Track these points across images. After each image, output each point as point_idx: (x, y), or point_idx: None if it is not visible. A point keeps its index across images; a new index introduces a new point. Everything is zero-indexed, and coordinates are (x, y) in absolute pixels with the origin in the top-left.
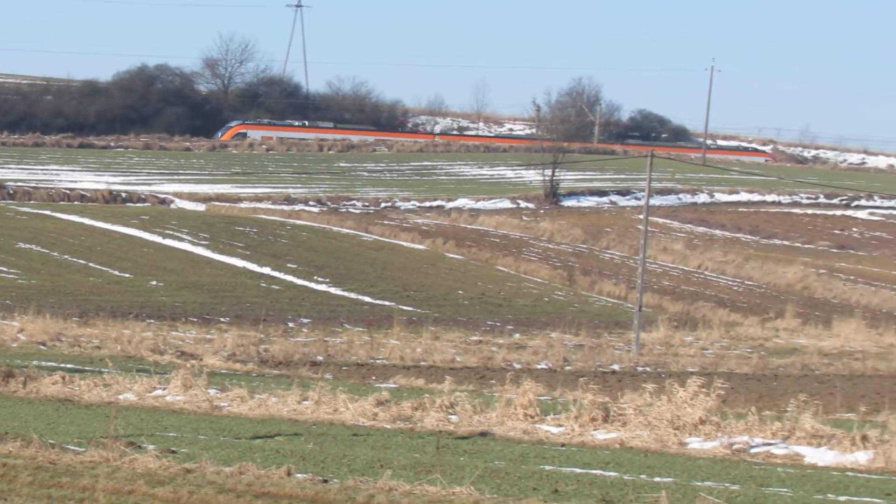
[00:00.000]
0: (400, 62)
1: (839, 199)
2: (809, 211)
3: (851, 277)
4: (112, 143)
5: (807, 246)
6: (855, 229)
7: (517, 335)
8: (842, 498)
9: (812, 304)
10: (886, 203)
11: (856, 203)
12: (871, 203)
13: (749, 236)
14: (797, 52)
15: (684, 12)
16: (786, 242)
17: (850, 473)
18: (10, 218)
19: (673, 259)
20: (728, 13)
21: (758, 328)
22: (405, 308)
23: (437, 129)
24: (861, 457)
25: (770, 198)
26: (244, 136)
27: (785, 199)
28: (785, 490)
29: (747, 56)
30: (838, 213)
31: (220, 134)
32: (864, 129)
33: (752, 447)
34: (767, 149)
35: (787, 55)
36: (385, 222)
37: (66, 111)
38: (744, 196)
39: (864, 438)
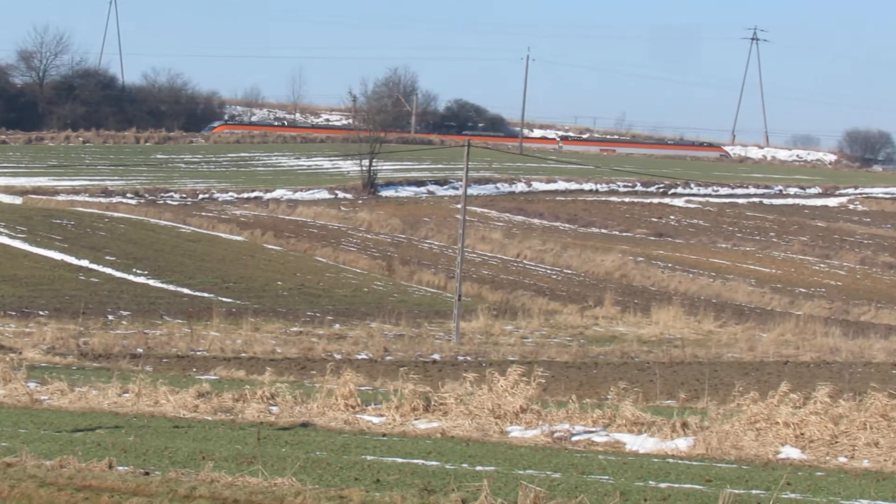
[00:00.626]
0: (215, 53)
1: (656, 187)
2: (627, 199)
3: (669, 265)
4: None
5: (625, 234)
6: (672, 217)
7: (337, 326)
8: (663, 485)
9: (631, 291)
10: (703, 191)
11: (672, 191)
12: (687, 191)
13: (567, 225)
14: (610, 42)
15: (500, 2)
16: (604, 231)
17: (670, 460)
18: None
19: (492, 248)
20: (542, 2)
21: (577, 316)
22: (224, 299)
23: (255, 120)
24: (681, 443)
25: (587, 186)
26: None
27: (602, 187)
28: (606, 477)
29: (563, 45)
30: (655, 200)
31: (206, 130)
32: (679, 118)
33: (574, 435)
34: (585, 137)
35: (602, 44)
36: (203, 214)
37: None
38: (561, 185)
39: (685, 425)
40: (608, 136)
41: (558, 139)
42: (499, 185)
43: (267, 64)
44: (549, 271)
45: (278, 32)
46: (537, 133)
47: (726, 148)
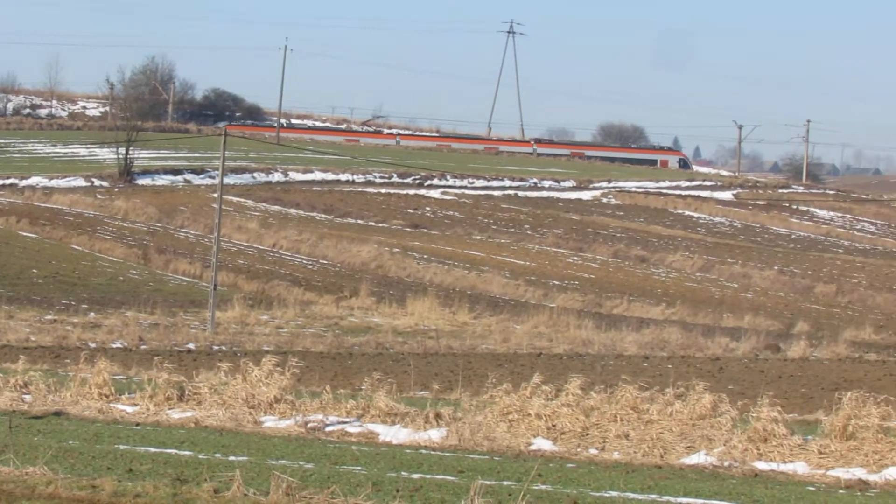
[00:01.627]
0: None
1: (412, 178)
2: (384, 190)
3: (425, 256)
4: None
5: (381, 225)
6: (428, 208)
7: (92, 314)
8: (415, 475)
9: (386, 282)
10: (459, 182)
11: (429, 182)
12: (443, 182)
13: (324, 215)
14: (370, 33)
15: None
16: (360, 221)
17: (423, 451)
18: None
19: (248, 238)
20: None
21: (333, 307)
22: None
23: (10, 106)
24: (434, 434)
25: (344, 177)
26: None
27: (359, 178)
28: (359, 468)
29: (322, 36)
30: (412, 192)
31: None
32: (435, 109)
33: (327, 425)
34: (343, 127)
35: (360, 35)
36: None
37: None
38: (318, 175)
39: (438, 416)
40: (365, 128)
41: (397, 134)
42: (255, 174)
43: (23, 50)
44: (305, 261)
45: (35, 17)
46: (294, 122)
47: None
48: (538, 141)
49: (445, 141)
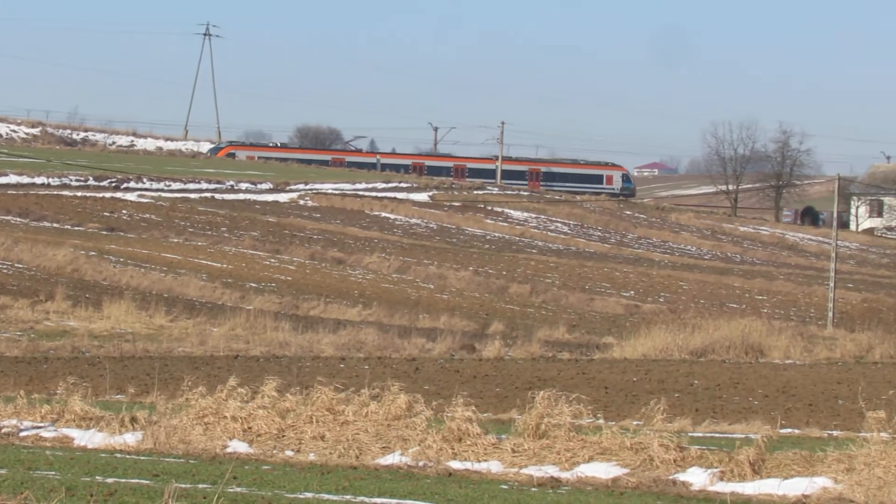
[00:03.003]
0: None
1: (109, 181)
2: (80, 193)
3: (122, 259)
4: None
5: (77, 228)
6: (125, 211)
7: None
8: (110, 479)
9: (83, 286)
10: (155, 185)
11: (125, 185)
12: (140, 185)
13: (19, 219)
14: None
15: None
16: (56, 225)
17: (119, 455)
18: None
19: None
20: None
21: (28, 311)
22: None
23: None
24: (130, 438)
25: (39, 180)
26: (233, 156)
27: (55, 181)
28: (53, 473)
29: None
30: (108, 195)
31: (212, 153)
32: (132, 112)
33: (21, 431)
34: (36, 131)
35: (53, 37)
36: None
37: None
38: (13, 178)
39: (133, 420)
40: (60, 131)
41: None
42: None
43: None
44: None
45: None
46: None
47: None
48: (509, 159)
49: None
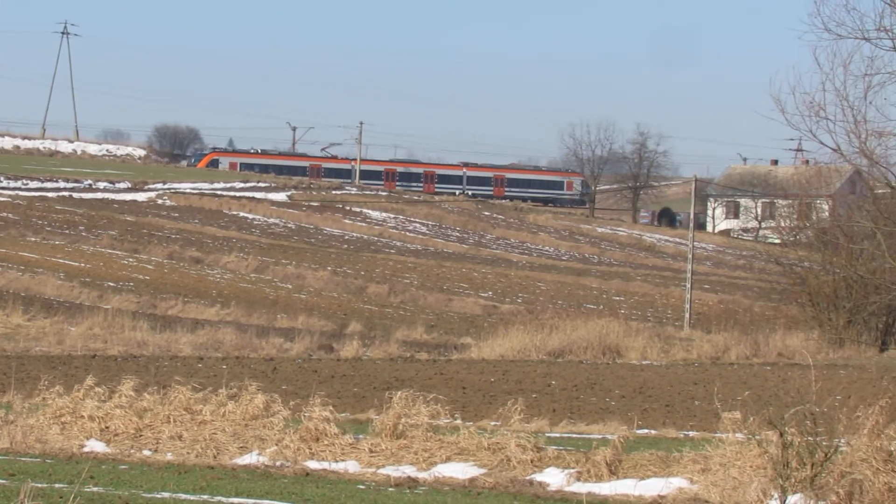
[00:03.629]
0: None
1: None
2: None
3: None
4: None
5: None
6: None
7: None
8: None
9: None
10: (13, 184)
11: None
12: None
13: None
14: None
15: None
16: None
17: None
18: None
19: None
20: None
21: None
22: None
23: None
24: None
25: None
26: (216, 163)
27: None
28: None
29: None
30: None
31: (195, 161)
32: None
33: None
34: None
35: None
36: None
37: None
38: None
39: None
40: None
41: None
42: None
43: None
44: None
45: None
46: None
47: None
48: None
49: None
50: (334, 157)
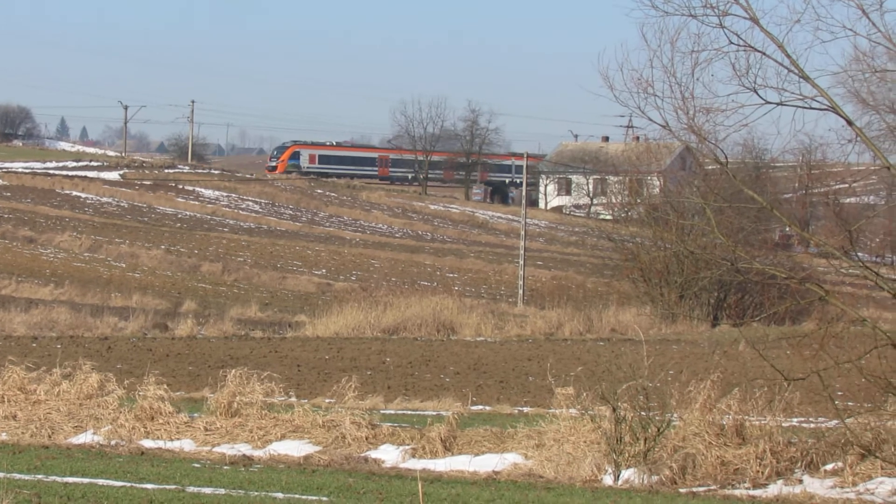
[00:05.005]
0: None
1: None
2: None
3: None
4: None
5: None
6: None
7: None
8: None
9: None
10: None
11: None
12: None
13: None
14: None
15: None
16: None
17: None
18: None
19: None
20: None
21: None
22: None
23: None
24: None
25: None
26: (297, 155)
27: None
28: None
29: None
30: None
31: (277, 154)
32: None
33: None
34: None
35: None
36: None
37: None
38: None
39: None
40: None
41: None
42: None
43: None
44: None
45: None
46: None
47: None
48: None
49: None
50: (400, 149)
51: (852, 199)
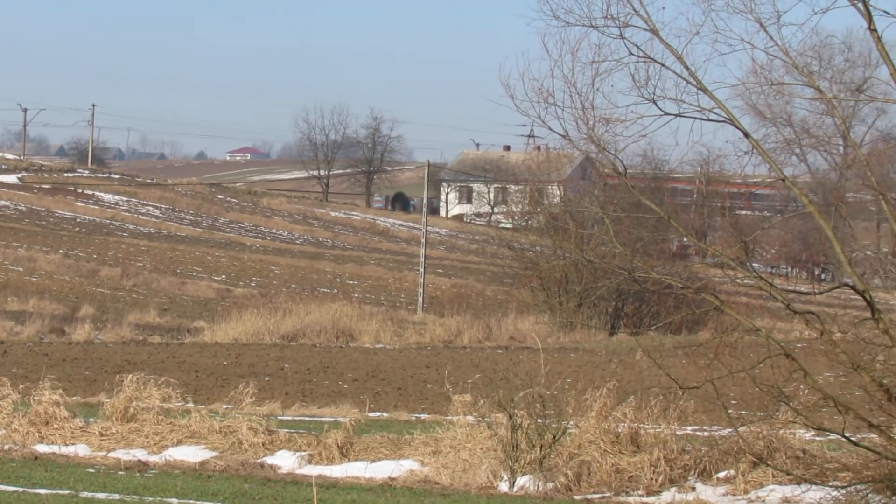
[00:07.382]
0: None
1: None
2: None
3: None
4: None
5: None
6: None
7: None
8: None
9: None
10: None
11: None
12: None
13: None
14: None
15: None
16: None
17: None
18: None
19: None
20: None
21: None
22: None
23: None
24: None
25: None
26: None
27: None
28: None
29: None
30: None
31: None
32: None
33: None
34: None
35: None
36: None
37: None
38: None
39: None
40: None
41: None
42: None
43: None
44: None
45: None
46: None
47: None
48: None
49: None
50: None
51: (747, 212)
